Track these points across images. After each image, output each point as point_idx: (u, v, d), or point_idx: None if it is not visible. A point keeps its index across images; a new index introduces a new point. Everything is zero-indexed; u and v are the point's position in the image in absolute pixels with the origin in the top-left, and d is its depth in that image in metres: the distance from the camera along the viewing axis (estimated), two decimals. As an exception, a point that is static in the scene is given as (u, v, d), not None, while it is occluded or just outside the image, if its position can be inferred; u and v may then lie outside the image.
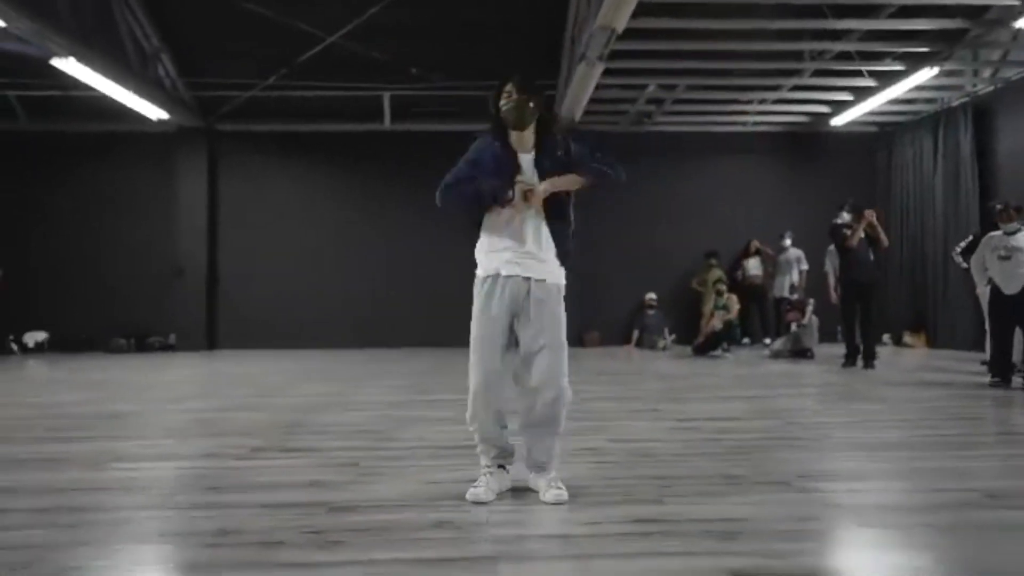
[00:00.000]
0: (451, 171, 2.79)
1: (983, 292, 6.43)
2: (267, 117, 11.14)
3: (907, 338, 10.72)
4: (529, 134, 2.77)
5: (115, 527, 2.33)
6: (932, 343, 10.44)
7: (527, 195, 2.68)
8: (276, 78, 10.12)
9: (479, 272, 2.76)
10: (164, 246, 11.16)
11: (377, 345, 10.92)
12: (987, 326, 6.48)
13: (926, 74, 8.64)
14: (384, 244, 11.35)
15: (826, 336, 9.61)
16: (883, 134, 11.63)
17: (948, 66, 8.91)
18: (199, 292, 11.16)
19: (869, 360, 7.47)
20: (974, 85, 9.82)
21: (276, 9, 8.94)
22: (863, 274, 7.66)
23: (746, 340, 11.03)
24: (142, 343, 10.97)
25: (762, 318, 11.23)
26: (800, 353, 8.85)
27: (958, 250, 7.30)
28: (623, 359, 9.41)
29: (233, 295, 11.26)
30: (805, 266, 10.75)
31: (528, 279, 2.69)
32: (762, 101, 10.57)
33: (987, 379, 6.03)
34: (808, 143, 11.72)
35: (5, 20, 6.90)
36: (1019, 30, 7.90)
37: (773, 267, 11.18)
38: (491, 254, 2.73)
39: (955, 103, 10.14)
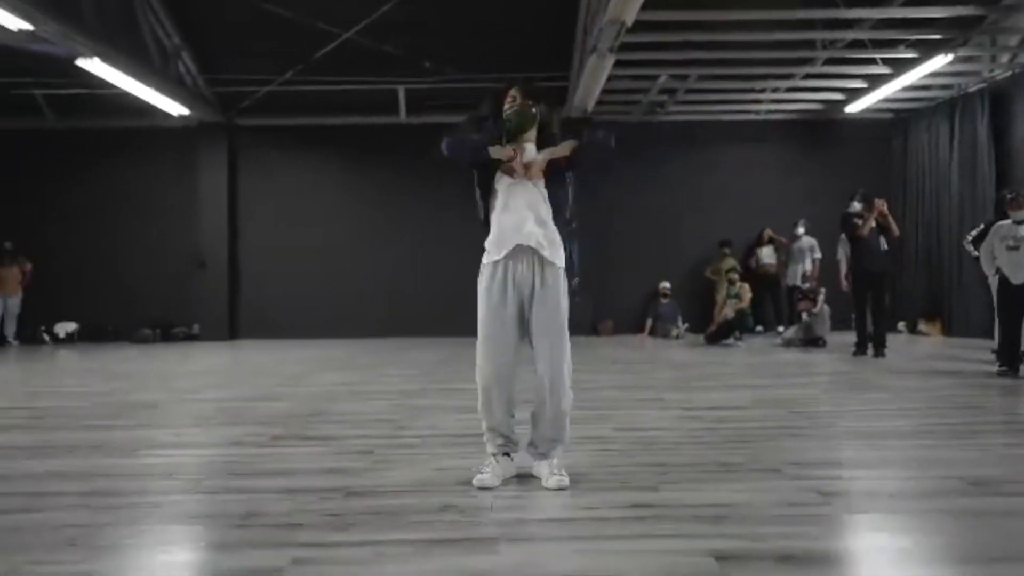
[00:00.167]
0: (459, 123, 2.94)
1: (992, 281, 6.46)
2: (285, 112, 11.35)
3: (922, 326, 10.72)
4: (530, 135, 2.90)
5: (150, 509, 2.53)
6: (947, 331, 10.43)
7: (527, 165, 2.80)
8: (293, 74, 10.30)
9: (484, 259, 2.87)
10: (187, 239, 11.45)
11: (393, 335, 11.14)
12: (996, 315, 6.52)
13: (940, 61, 8.61)
14: (400, 234, 11.55)
15: (839, 324, 9.65)
16: (898, 120, 11.56)
17: (963, 52, 8.85)
18: (221, 283, 11.45)
19: (880, 348, 7.54)
20: (991, 71, 9.74)
21: (293, 8, 9.11)
22: (874, 263, 7.71)
23: (759, 328, 11.10)
24: (167, 333, 11.30)
25: (775, 306, 11.29)
26: (812, 342, 8.92)
27: (969, 239, 7.32)
28: (636, 347, 9.54)
29: (253, 286, 11.55)
30: (818, 255, 10.78)
31: (535, 255, 2.79)
32: (775, 89, 10.56)
33: (995, 368, 6.09)
34: (822, 131, 11.69)
35: (32, 22, 7.13)
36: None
37: (786, 255, 11.21)
38: (498, 240, 2.84)
39: (972, 89, 10.07)
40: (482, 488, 2.71)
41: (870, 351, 7.60)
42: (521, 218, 2.81)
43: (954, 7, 7.93)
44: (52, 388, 5.95)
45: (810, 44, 9.10)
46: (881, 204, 7.64)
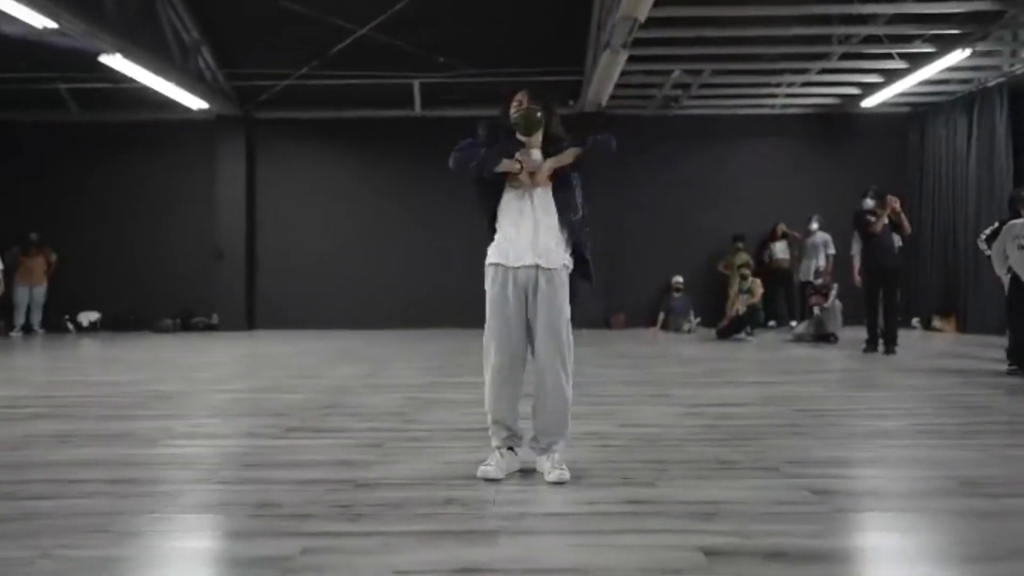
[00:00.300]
0: (464, 140, 3.04)
1: (1005, 281, 6.45)
2: (302, 105, 11.49)
3: (936, 322, 10.68)
4: (536, 139, 3.00)
5: (171, 498, 2.67)
6: (962, 327, 10.38)
7: (533, 174, 2.91)
8: (310, 68, 10.43)
9: (488, 260, 2.99)
10: (206, 230, 11.66)
11: (408, 326, 11.29)
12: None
13: (958, 56, 8.53)
14: (415, 226, 11.67)
15: (851, 320, 9.64)
16: (916, 114, 11.46)
17: (982, 47, 8.76)
18: (239, 274, 11.66)
19: (890, 345, 7.55)
20: (1011, 65, 9.63)
21: (310, 4, 9.22)
22: (887, 260, 7.71)
23: (772, 323, 11.12)
24: (186, 323, 11.54)
25: (788, 301, 11.29)
26: (823, 337, 8.93)
27: (983, 237, 7.27)
28: (647, 342, 9.61)
29: (270, 277, 11.74)
30: (832, 250, 10.76)
31: (535, 267, 2.91)
32: (790, 84, 10.52)
33: (1005, 367, 6.10)
34: (838, 125, 11.62)
35: (56, 20, 7.31)
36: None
37: (800, 251, 11.19)
38: (501, 244, 2.96)
39: (991, 83, 9.96)
40: (487, 480, 2.82)
41: (881, 348, 7.62)
42: (524, 229, 2.92)
43: (972, 2, 7.85)
44: (76, 378, 6.15)
45: (825, 39, 9.06)
46: (894, 201, 7.63)
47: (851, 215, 8.07)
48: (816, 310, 9.28)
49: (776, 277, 11.17)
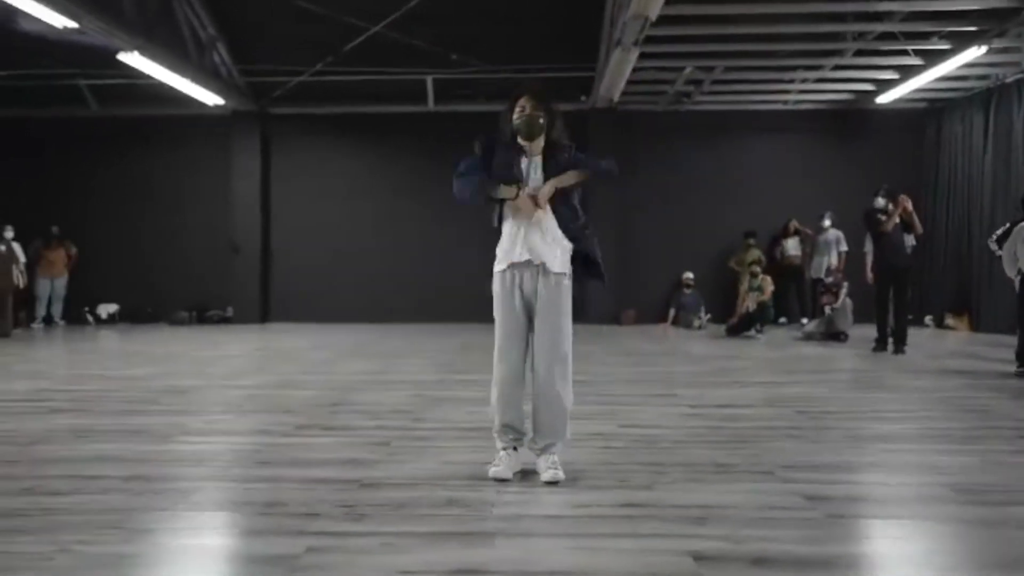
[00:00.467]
0: (464, 161, 3.09)
1: (1016, 282, 6.42)
2: (317, 100, 11.61)
3: (949, 320, 10.62)
4: (538, 143, 3.07)
5: (184, 495, 2.78)
6: (975, 326, 10.31)
7: (535, 199, 2.97)
8: (324, 64, 10.52)
9: (495, 266, 3.07)
10: (222, 224, 11.83)
11: (420, 320, 11.40)
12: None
13: (974, 53, 8.45)
14: (428, 221, 11.75)
15: (862, 317, 9.61)
16: (932, 110, 11.36)
17: (999, 44, 8.66)
18: (254, 268, 11.83)
19: (899, 345, 7.54)
20: (1029, 61, 9.51)
21: (323, 3, 9.30)
22: (898, 259, 7.69)
23: (783, 320, 11.12)
24: (202, 316, 11.74)
25: (799, 298, 11.27)
26: (833, 336, 8.92)
27: (994, 238, 7.22)
28: (656, 338, 9.65)
29: (284, 271, 11.90)
30: (844, 247, 10.71)
31: (539, 267, 2.99)
32: (804, 80, 10.46)
33: (1014, 368, 6.09)
34: (852, 121, 11.55)
35: (76, 19, 7.44)
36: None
37: (812, 247, 11.16)
38: (506, 247, 3.04)
39: (1009, 79, 9.85)
40: (498, 479, 2.92)
41: (890, 347, 7.61)
42: (526, 232, 2.99)
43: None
44: (95, 372, 6.32)
45: (840, 36, 9.00)
46: (906, 200, 7.60)
47: (864, 211, 8.05)
48: (827, 308, 9.27)
49: (788, 274, 11.16)
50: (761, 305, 9.66)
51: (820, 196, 11.20)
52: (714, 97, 11.21)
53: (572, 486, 2.88)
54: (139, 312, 11.84)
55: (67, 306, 11.40)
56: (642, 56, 8.54)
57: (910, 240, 7.96)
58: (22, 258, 10.37)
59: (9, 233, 10.09)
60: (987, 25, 8.31)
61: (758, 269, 10.10)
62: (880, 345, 7.71)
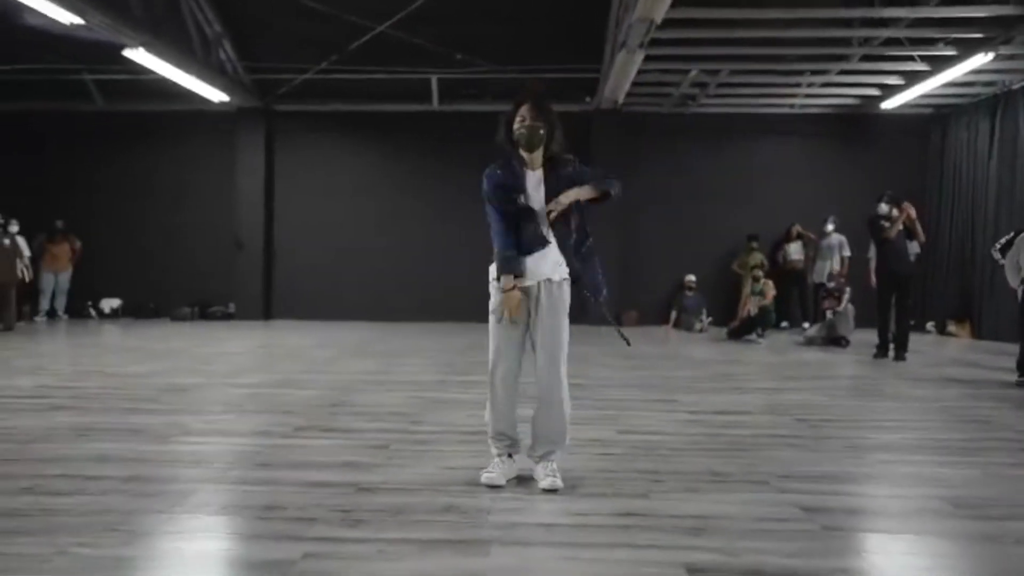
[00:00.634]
0: (489, 215, 3.06)
1: (1019, 292, 6.41)
2: (321, 98, 11.62)
3: (951, 327, 10.60)
4: (539, 153, 3.05)
5: (182, 497, 2.79)
6: (977, 333, 10.29)
7: (550, 213, 2.98)
8: (329, 63, 10.53)
9: (492, 274, 3.07)
10: (225, 220, 11.86)
11: (422, 319, 11.41)
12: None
13: (980, 60, 8.42)
14: (431, 219, 11.76)
15: (864, 323, 9.60)
16: (938, 116, 11.33)
17: (1005, 51, 8.63)
18: (257, 264, 11.85)
19: (900, 352, 7.53)
20: (1036, 68, 9.48)
21: (329, 2, 9.31)
22: (901, 266, 7.68)
23: (784, 324, 11.11)
24: (204, 312, 11.76)
25: (801, 303, 11.26)
26: (834, 341, 8.91)
27: (997, 247, 7.20)
28: (658, 341, 9.64)
29: (287, 268, 11.92)
30: (847, 252, 10.70)
31: (537, 283, 3.00)
32: (809, 84, 10.44)
33: (1015, 377, 6.08)
34: (856, 126, 11.52)
35: (82, 16, 7.46)
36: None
37: (814, 252, 11.15)
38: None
39: (1015, 86, 9.82)
40: (491, 486, 2.93)
41: (891, 353, 7.60)
42: (536, 252, 3.00)
43: (994, 6, 7.74)
44: (97, 368, 6.33)
45: (846, 41, 8.98)
46: (909, 207, 7.59)
47: (867, 217, 8.03)
48: (828, 313, 9.26)
49: (790, 278, 11.15)
50: (763, 309, 9.65)
51: (824, 200, 11.19)
52: (719, 100, 11.19)
53: (569, 494, 2.88)
54: (142, 307, 11.87)
55: (70, 300, 11.44)
56: (647, 58, 8.53)
57: (914, 247, 7.95)
58: (27, 252, 10.40)
59: (14, 227, 10.12)
60: (993, 32, 8.28)
61: (760, 273, 10.09)
62: (881, 352, 7.70)
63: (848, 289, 9.45)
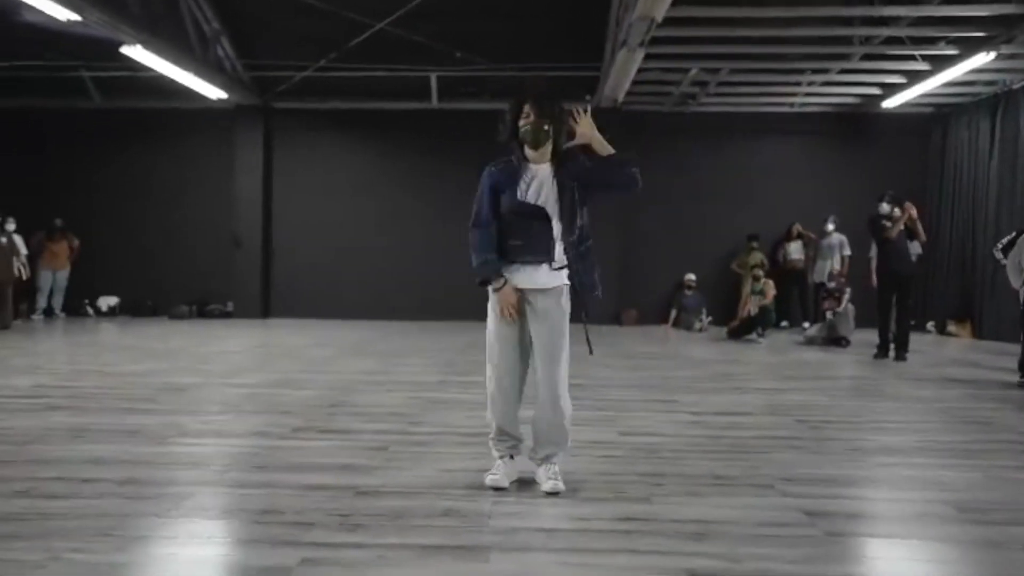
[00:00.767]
0: (476, 203, 3.03)
1: (1021, 293, 6.39)
2: (320, 96, 11.56)
3: (951, 327, 10.57)
4: (544, 152, 3.00)
5: (178, 501, 2.76)
6: (977, 333, 10.27)
7: (575, 132, 2.97)
8: (328, 60, 10.48)
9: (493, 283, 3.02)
10: (224, 218, 11.80)
11: (422, 317, 11.37)
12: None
13: (982, 59, 8.39)
14: (430, 217, 11.70)
15: (864, 322, 9.57)
16: (938, 116, 11.30)
17: (1007, 50, 8.59)
18: (255, 263, 11.80)
19: (901, 352, 7.51)
20: (1038, 68, 9.45)
21: (327, -1, 9.27)
22: (902, 266, 7.65)
23: (784, 324, 11.08)
24: (202, 310, 11.71)
25: (802, 302, 11.23)
26: (835, 341, 8.89)
27: (999, 247, 7.18)
28: (657, 340, 9.62)
29: (286, 266, 11.87)
30: (848, 252, 10.67)
31: (530, 290, 2.97)
32: (810, 83, 10.40)
33: (1016, 378, 6.06)
34: (857, 125, 11.49)
35: (80, 13, 7.41)
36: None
37: (815, 251, 11.12)
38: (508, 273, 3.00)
39: (1016, 86, 9.79)
40: (495, 488, 2.91)
41: (891, 353, 7.58)
42: (533, 248, 2.95)
43: (997, 5, 7.70)
44: (94, 367, 6.30)
45: (847, 40, 8.94)
46: (911, 207, 7.56)
47: (868, 217, 8.01)
48: (829, 313, 9.24)
49: (790, 278, 11.12)
50: (763, 309, 9.62)
51: (824, 200, 11.16)
52: (719, 99, 11.15)
53: (570, 497, 2.86)
54: (139, 305, 11.83)
55: (68, 298, 11.39)
56: (647, 57, 8.49)
57: (915, 248, 7.92)
58: (23, 250, 10.35)
59: (11, 226, 10.07)
60: (995, 31, 8.25)
61: (761, 273, 10.07)
62: (882, 352, 7.68)
63: (848, 289, 9.43)
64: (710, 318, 11.05)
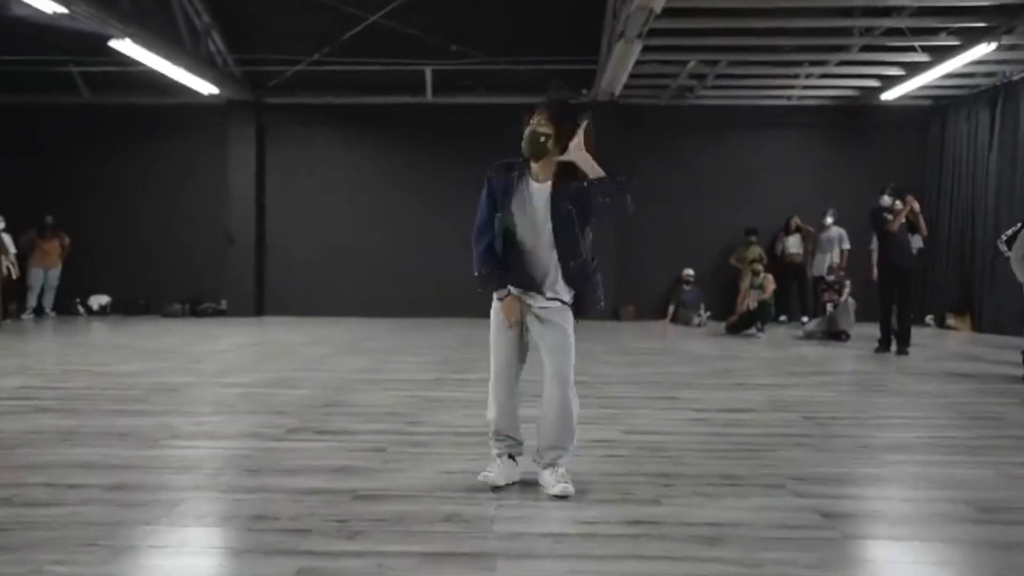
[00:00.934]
0: (478, 211, 2.88)
1: (1024, 284, 6.32)
2: (313, 91, 11.40)
3: (951, 320, 10.52)
4: (548, 164, 2.80)
5: (169, 507, 2.65)
6: (977, 326, 10.22)
7: (575, 147, 2.73)
8: (321, 54, 10.32)
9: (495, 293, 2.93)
10: (216, 215, 11.65)
11: (417, 314, 11.25)
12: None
13: (983, 50, 8.31)
14: (425, 213, 11.58)
15: (864, 316, 9.51)
16: (937, 108, 11.23)
17: (1008, 40, 8.52)
18: (248, 260, 11.65)
19: (903, 346, 7.44)
20: (1038, 59, 9.38)
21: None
22: (903, 259, 7.58)
23: (783, 318, 11.01)
24: (195, 308, 11.56)
25: (800, 296, 11.16)
26: (835, 335, 8.82)
27: (1004, 238, 7.09)
28: (656, 335, 9.53)
29: (280, 263, 11.73)
30: (847, 245, 10.61)
31: (531, 306, 2.89)
32: (808, 75, 10.31)
33: (1021, 372, 5.99)
34: (856, 117, 11.41)
35: (66, 5, 7.24)
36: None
37: (813, 244, 11.05)
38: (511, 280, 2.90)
39: (1016, 77, 9.72)
40: (491, 487, 2.82)
41: (893, 347, 7.51)
42: (527, 275, 2.86)
43: (998, -6, 7.62)
44: (84, 367, 6.16)
45: (846, 31, 8.85)
46: (913, 200, 7.49)
47: (867, 209, 7.93)
48: (829, 307, 9.16)
49: (789, 271, 11.04)
50: (762, 304, 9.54)
51: (822, 193, 11.08)
52: (717, 92, 11.04)
53: (577, 500, 2.76)
54: (131, 304, 11.67)
55: (58, 297, 11.21)
56: (645, 49, 8.37)
57: (916, 241, 7.84)
58: (12, 249, 10.18)
59: (-1, 224, 9.92)
60: (997, 21, 8.16)
61: (760, 267, 9.99)
62: (883, 346, 7.60)
63: (848, 282, 9.36)
64: (708, 313, 10.97)
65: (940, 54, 8.93)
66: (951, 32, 8.61)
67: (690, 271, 11.24)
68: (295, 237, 11.70)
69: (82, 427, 3.89)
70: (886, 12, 8.25)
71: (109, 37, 8.29)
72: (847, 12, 8.49)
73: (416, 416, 4.25)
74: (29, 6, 7.28)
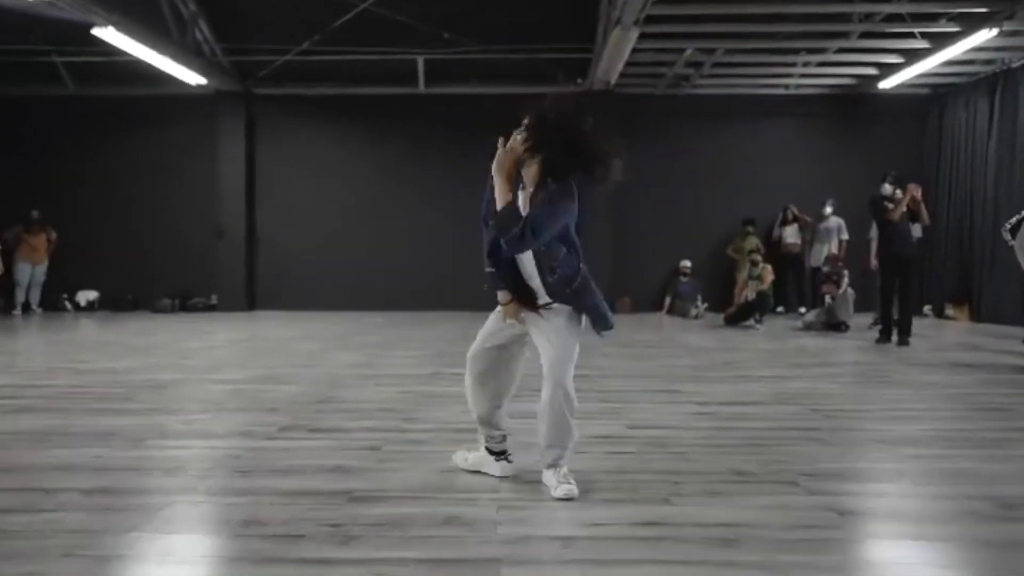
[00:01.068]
0: (485, 197, 2.76)
1: (1028, 272, 6.24)
2: (304, 81, 11.21)
3: (949, 310, 10.46)
4: (530, 172, 2.67)
5: (153, 512, 2.50)
6: (975, 316, 10.16)
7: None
8: (311, 43, 10.11)
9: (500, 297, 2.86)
10: (206, 208, 11.45)
11: (410, 308, 11.11)
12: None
13: (983, 36, 8.20)
14: (418, 206, 11.44)
15: (863, 306, 9.44)
16: (935, 96, 11.13)
17: (1008, 27, 8.41)
18: (239, 254, 11.47)
19: (904, 336, 7.35)
20: (1038, 45, 9.28)
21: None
22: (904, 248, 7.48)
23: (780, 309, 10.93)
24: (185, 304, 11.37)
25: (798, 287, 11.08)
26: (834, 326, 8.73)
27: (1007, 227, 7.01)
28: (653, 327, 9.42)
29: (271, 257, 11.55)
30: (846, 235, 10.52)
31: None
32: (806, 63, 10.19)
33: (1025, 362, 5.92)
34: (853, 106, 11.31)
35: (47, -8, 7.04)
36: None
37: (811, 235, 10.96)
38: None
39: (1015, 64, 9.62)
40: (456, 464, 2.92)
41: (894, 338, 7.42)
42: (523, 283, 2.78)
43: (1000, -20, 7.51)
44: (69, 364, 5.99)
45: (845, 17, 8.72)
46: (915, 189, 7.38)
47: (866, 199, 7.83)
48: (828, 298, 9.08)
49: (786, 262, 10.95)
50: (761, 295, 9.44)
51: (820, 183, 10.98)
52: (714, 80, 10.91)
53: (583, 500, 2.63)
54: (120, 299, 11.46)
55: (44, 293, 11.00)
56: (641, 37, 8.23)
57: (916, 230, 7.75)
58: (-1, 245, 9.98)
59: (-18, 219, 9.69)
60: (997, 7, 8.06)
61: (758, 258, 9.89)
62: (884, 337, 7.51)
63: (847, 273, 9.27)
64: (706, 304, 10.87)
65: (940, 40, 8.82)
66: (951, 18, 8.50)
67: (687, 262, 11.14)
68: (286, 230, 11.52)
69: (64, 427, 3.74)
70: (886, -2, 8.13)
71: (92, 25, 8.08)
72: (846, -2, 8.37)
73: (411, 412, 4.12)
74: (8, -7, 7.08)
